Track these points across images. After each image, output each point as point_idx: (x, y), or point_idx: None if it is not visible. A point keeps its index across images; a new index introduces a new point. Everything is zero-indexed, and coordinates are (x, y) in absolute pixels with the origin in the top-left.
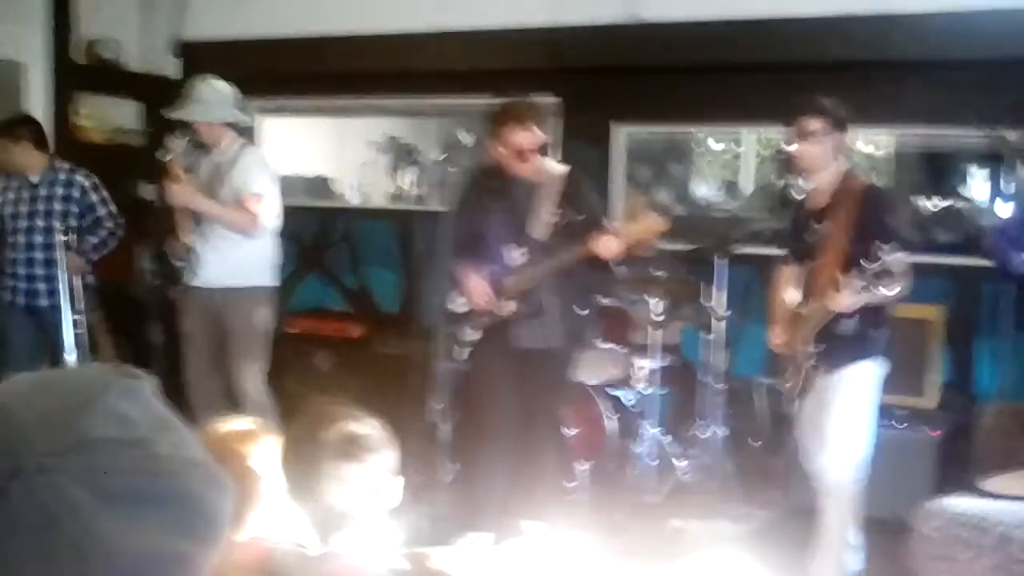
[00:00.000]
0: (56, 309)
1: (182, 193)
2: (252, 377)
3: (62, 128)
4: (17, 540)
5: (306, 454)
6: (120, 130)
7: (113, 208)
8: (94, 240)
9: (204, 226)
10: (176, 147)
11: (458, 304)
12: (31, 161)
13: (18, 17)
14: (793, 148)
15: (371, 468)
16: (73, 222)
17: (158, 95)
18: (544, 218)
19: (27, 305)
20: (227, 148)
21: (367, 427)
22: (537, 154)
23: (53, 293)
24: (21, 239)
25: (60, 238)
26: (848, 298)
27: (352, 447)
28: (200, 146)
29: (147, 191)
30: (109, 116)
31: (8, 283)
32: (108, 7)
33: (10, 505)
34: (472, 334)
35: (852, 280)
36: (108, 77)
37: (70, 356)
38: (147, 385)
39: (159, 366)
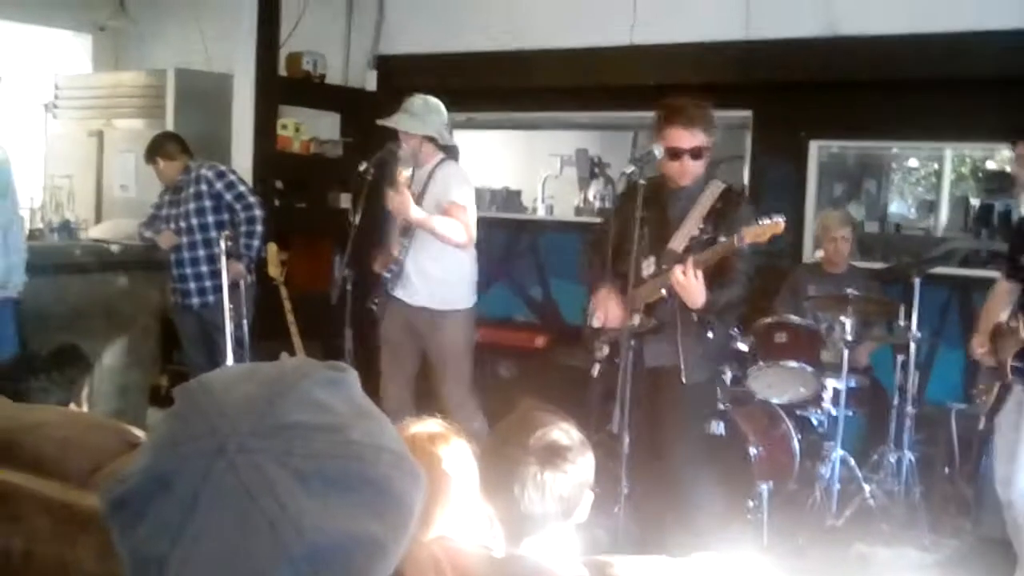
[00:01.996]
0: (206, 308)
1: (400, 201)
2: (457, 389)
3: (264, 138)
4: (218, 514)
5: (509, 456)
6: (319, 141)
7: (241, 189)
8: (243, 240)
9: (413, 242)
10: (401, 154)
11: (595, 319)
12: (169, 173)
13: (230, 33)
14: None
15: (570, 479)
16: (209, 218)
17: (356, 108)
18: (687, 231)
19: (183, 304)
20: (428, 163)
21: (572, 438)
22: (690, 158)
23: (203, 292)
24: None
25: (222, 244)
26: None
27: (555, 456)
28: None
29: (343, 201)
30: (309, 127)
31: (170, 284)
32: (312, 22)
33: (213, 481)
34: (604, 349)
35: None
36: (309, 90)
37: (230, 356)
38: (349, 377)
39: None
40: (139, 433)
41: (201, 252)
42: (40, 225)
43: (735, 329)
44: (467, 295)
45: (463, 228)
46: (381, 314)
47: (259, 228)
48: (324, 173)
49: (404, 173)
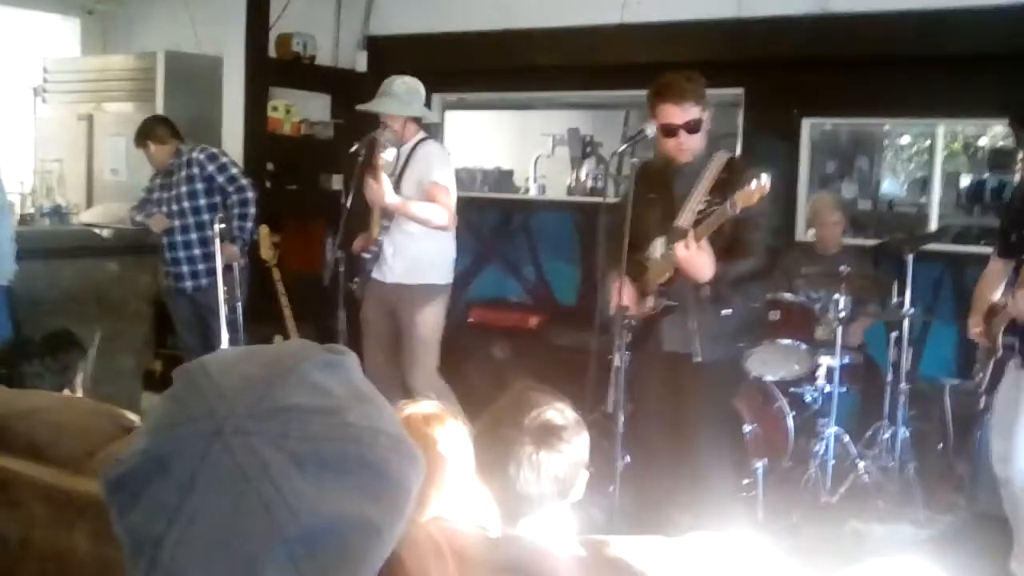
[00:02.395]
0: (200, 291)
1: (379, 191)
2: (421, 372)
3: (255, 120)
4: (214, 495)
5: (504, 437)
6: (309, 123)
7: (233, 171)
8: (235, 223)
9: (393, 223)
10: (382, 140)
11: (611, 305)
12: (160, 156)
13: (219, 16)
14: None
15: (565, 458)
16: (200, 201)
17: (347, 89)
18: (693, 207)
19: (176, 288)
20: (410, 142)
21: (566, 418)
22: (686, 132)
23: (196, 275)
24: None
25: (216, 227)
26: None
27: (550, 436)
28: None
29: (335, 182)
30: (300, 109)
31: (162, 267)
32: (301, 3)
33: (210, 463)
34: (624, 336)
35: None
36: (299, 71)
37: (224, 339)
38: (348, 360)
39: None
40: (134, 417)
41: (194, 235)
42: (31, 210)
43: (757, 302)
44: (443, 272)
45: (444, 210)
46: (361, 294)
47: (252, 210)
48: (315, 155)
49: (384, 158)
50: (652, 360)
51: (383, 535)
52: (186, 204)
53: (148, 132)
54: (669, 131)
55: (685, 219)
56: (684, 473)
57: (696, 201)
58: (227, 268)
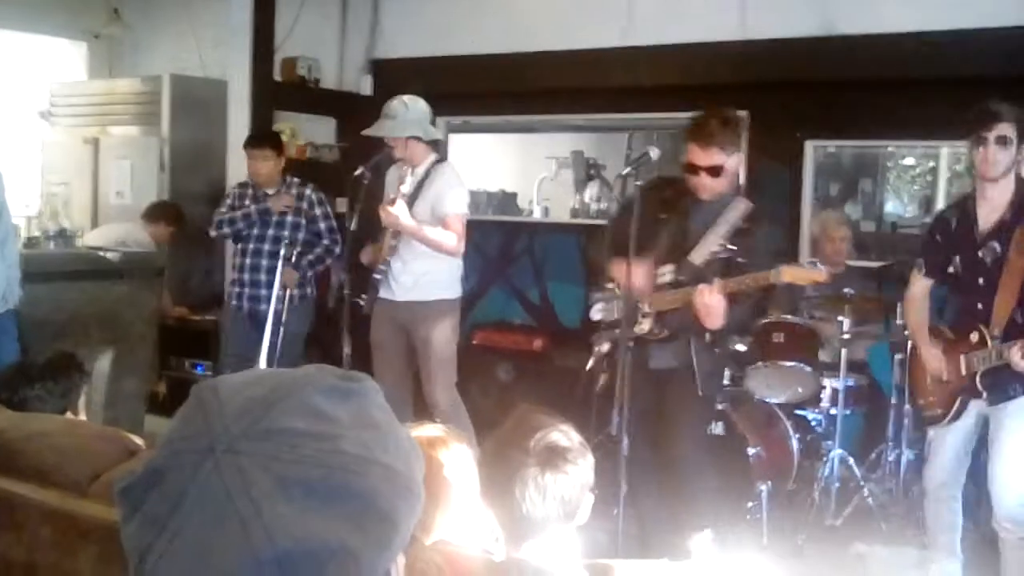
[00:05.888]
0: (276, 316)
1: (395, 214)
2: (443, 387)
3: None
4: (198, 511)
5: (509, 459)
6: (315, 146)
7: (333, 224)
8: (310, 256)
9: (398, 242)
10: (385, 163)
11: (596, 311)
12: (277, 171)
13: (224, 40)
14: (975, 154)
15: (570, 481)
16: (300, 234)
17: (352, 112)
18: (708, 247)
19: (250, 311)
20: (421, 164)
21: (571, 440)
22: (707, 175)
23: (268, 300)
24: (250, 246)
25: (282, 251)
26: None
27: (556, 458)
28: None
29: (340, 206)
30: (305, 132)
31: (234, 288)
32: (306, 27)
33: (200, 478)
34: (604, 346)
35: None
36: (305, 94)
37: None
38: (362, 387)
39: None
40: (139, 441)
41: (278, 263)
42: (37, 233)
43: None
44: (452, 286)
45: (455, 236)
46: (369, 311)
47: (329, 260)
48: (320, 178)
49: (402, 190)
50: (637, 379)
51: (361, 566)
52: (286, 233)
53: (274, 142)
54: (691, 169)
55: (699, 255)
56: (674, 489)
57: (712, 241)
58: (301, 297)
